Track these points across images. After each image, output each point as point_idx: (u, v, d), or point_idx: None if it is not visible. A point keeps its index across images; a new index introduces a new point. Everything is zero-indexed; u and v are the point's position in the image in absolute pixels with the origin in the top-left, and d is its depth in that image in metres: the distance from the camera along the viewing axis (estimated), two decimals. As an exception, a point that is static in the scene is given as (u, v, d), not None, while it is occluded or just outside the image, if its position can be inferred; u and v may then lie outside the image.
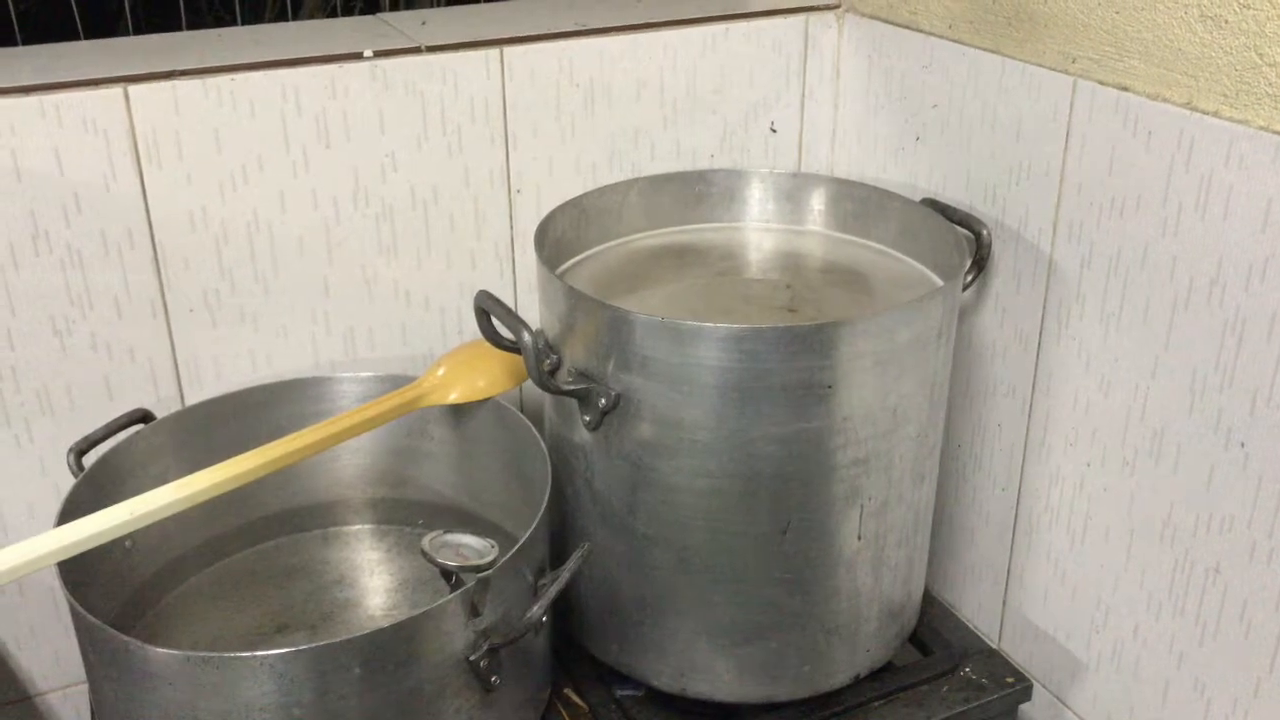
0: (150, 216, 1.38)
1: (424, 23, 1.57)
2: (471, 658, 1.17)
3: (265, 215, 1.43)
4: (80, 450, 1.34)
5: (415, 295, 1.54)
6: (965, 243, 1.38)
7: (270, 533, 1.53)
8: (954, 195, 1.48)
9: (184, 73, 1.36)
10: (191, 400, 1.47)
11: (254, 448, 1.30)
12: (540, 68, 1.50)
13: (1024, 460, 1.47)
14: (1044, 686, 1.50)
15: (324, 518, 1.56)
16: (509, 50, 1.48)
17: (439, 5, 2.00)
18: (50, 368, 1.39)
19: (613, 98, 1.55)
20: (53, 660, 1.52)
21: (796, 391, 1.21)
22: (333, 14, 2.19)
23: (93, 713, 1.33)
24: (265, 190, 1.42)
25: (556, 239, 1.44)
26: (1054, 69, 1.32)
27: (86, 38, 1.72)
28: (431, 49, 1.45)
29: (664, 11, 1.60)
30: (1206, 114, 1.16)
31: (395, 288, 1.52)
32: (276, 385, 1.48)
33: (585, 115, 1.54)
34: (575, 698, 1.43)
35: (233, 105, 1.38)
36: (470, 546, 1.18)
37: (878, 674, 1.43)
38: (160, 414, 1.42)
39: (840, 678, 1.39)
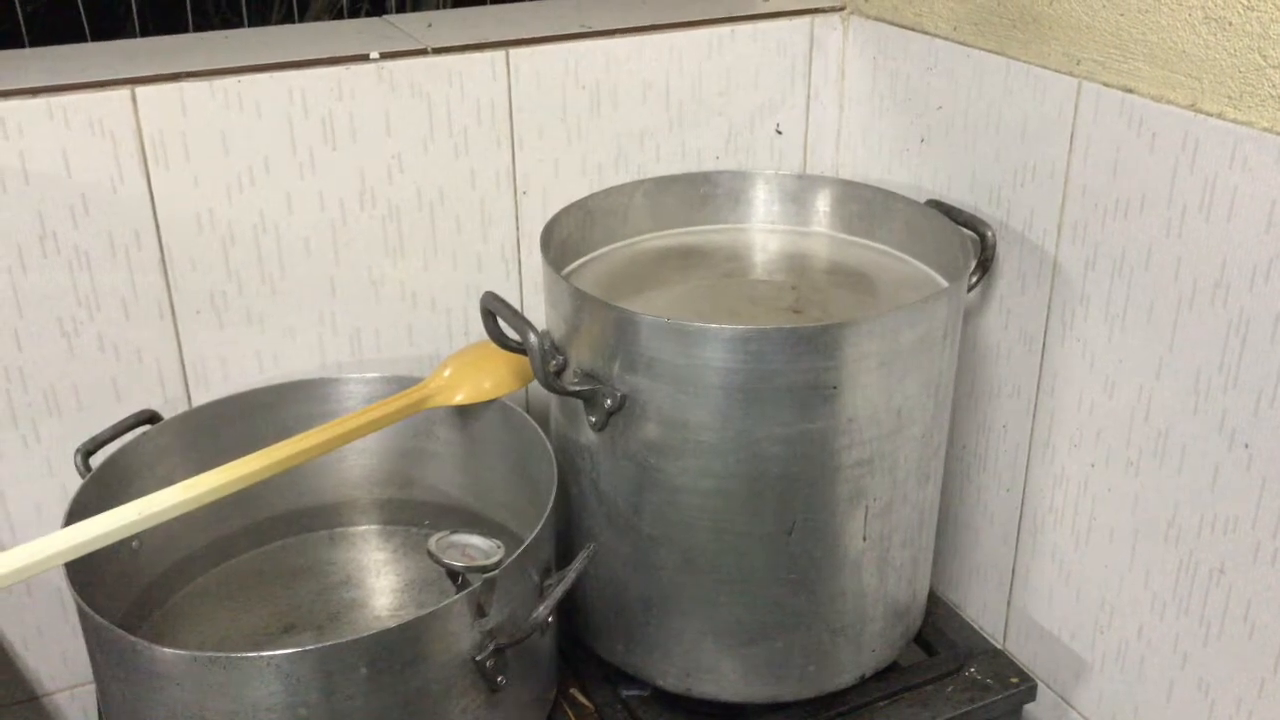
0: (157, 218, 1.39)
1: (430, 25, 1.57)
2: (478, 658, 1.17)
3: (272, 217, 1.44)
4: (87, 451, 1.35)
5: (421, 296, 1.54)
6: (970, 244, 1.38)
7: (277, 533, 1.54)
8: (959, 197, 1.48)
9: (191, 74, 1.37)
10: (198, 401, 1.47)
11: (261, 448, 1.31)
12: (546, 70, 1.50)
13: (1029, 461, 1.47)
14: (1049, 686, 1.51)
15: (331, 518, 1.56)
16: (515, 52, 1.48)
17: (445, 7, 2.00)
18: (58, 368, 1.40)
19: (618, 99, 1.55)
20: (60, 660, 1.53)
21: (802, 392, 1.21)
22: (339, 16, 2.19)
23: (100, 713, 1.33)
24: (272, 192, 1.43)
25: (562, 240, 1.44)
26: (1059, 71, 1.32)
27: (93, 39, 1.73)
28: (437, 51, 1.45)
29: (669, 14, 1.60)
30: (1210, 116, 1.16)
31: (402, 289, 1.53)
32: (283, 386, 1.48)
33: (591, 117, 1.54)
34: (581, 698, 1.44)
35: (239, 107, 1.38)
36: (476, 547, 1.18)
37: (883, 674, 1.43)
38: (167, 415, 1.42)
39: (845, 678, 1.39)
